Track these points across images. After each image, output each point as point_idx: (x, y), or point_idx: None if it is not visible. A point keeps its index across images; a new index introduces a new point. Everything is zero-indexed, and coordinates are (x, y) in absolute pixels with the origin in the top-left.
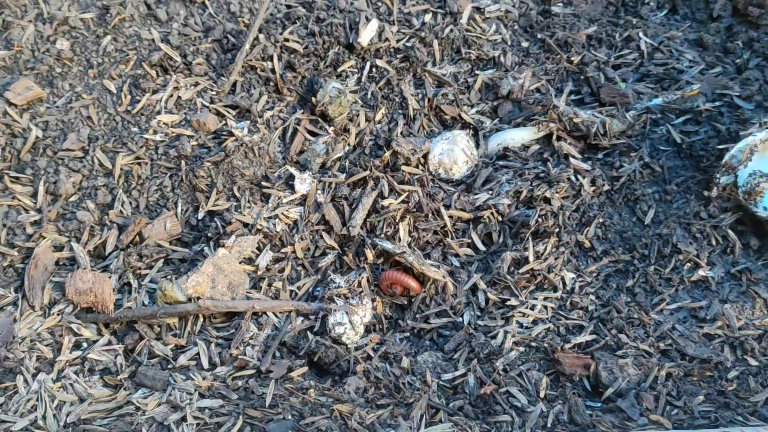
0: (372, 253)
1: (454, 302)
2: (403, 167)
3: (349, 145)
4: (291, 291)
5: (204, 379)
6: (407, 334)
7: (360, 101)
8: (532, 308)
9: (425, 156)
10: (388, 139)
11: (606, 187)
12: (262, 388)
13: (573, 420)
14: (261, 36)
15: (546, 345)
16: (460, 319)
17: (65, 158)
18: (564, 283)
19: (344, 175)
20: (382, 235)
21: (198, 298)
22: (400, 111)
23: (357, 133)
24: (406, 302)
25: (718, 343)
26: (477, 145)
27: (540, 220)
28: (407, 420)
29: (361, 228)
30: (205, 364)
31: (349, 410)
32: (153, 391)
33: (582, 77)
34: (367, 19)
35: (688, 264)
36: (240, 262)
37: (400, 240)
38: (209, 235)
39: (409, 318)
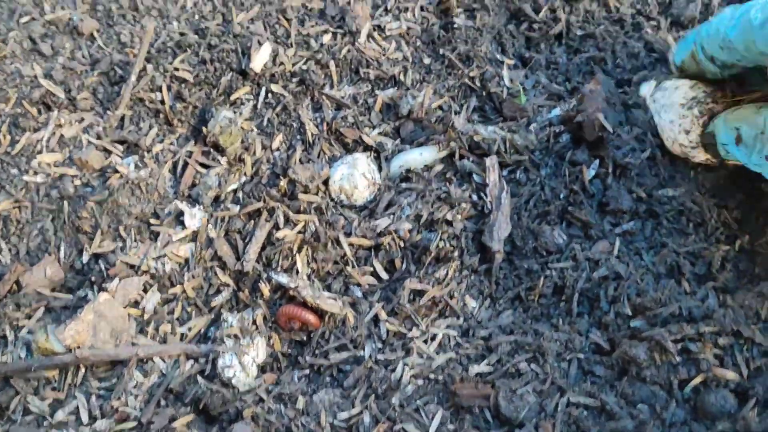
0: (268, 288)
1: (354, 335)
2: (301, 195)
3: (245, 175)
4: (182, 333)
5: None
6: (306, 371)
7: (256, 129)
8: (433, 338)
9: (326, 182)
10: (285, 167)
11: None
12: None
13: None
14: (149, 66)
15: (446, 376)
16: (362, 352)
17: None
18: (466, 310)
19: (238, 207)
20: (279, 268)
21: (77, 347)
22: (298, 137)
23: (253, 163)
24: (305, 338)
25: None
26: (380, 168)
27: (441, 244)
28: None
29: (257, 262)
30: (85, 418)
31: None
32: None
33: (484, 93)
34: (259, 44)
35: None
36: (125, 307)
37: (298, 272)
38: (93, 279)
39: (308, 354)
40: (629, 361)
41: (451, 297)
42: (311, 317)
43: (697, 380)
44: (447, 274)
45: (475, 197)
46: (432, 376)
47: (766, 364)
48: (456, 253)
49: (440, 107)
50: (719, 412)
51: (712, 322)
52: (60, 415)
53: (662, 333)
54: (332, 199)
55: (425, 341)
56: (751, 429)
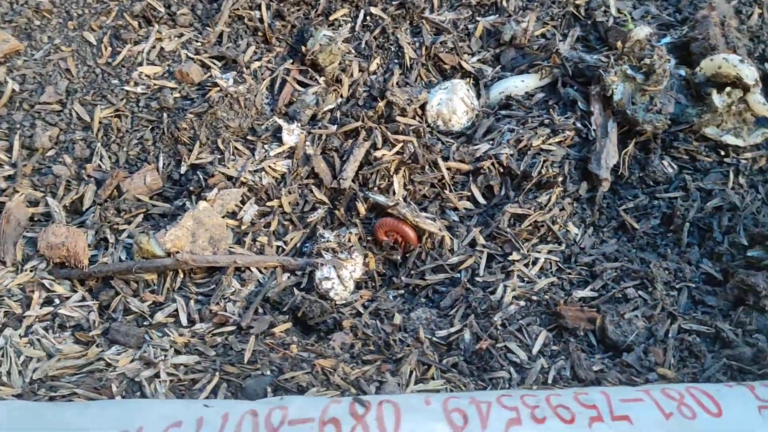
0: (364, 206)
1: (451, 257)
2: (399, 118)
3: (341, 96)
4: (278, 246)
5: (181, 335)
6: (401, 291)
7: (353, 51)
8: (535, 262)
9: (423, 107)
10: (382, 89)
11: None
12: (241, 344)
13: (576, 375)
14: None
15: (548, 299)
16: (458, 274)
17: (42, 112)
18: (568, 236)
19: (335, 126)
20: (375, 189)
21: (177, 252)
22: (396, 61)
23: (350, 84)
24: (400, 259)
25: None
26: (478, 95)
27: (543, 170)
28: (395, 376)
29: (353, 181)
30: (184, 320)
31: (332, 365)
32: (127, 348)
33: (590, 21)
34: None
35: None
36: (223, 217)
37: (394, 193)
38: (191, 188)
39: (404, 274)
40: (746, 290)
41: (554, 223)
42: (411, 232)
43: None
44: (549, 199)
45: (579, 125)
46: (534, 298)
47: None
48: (559, 179)
49: (543, 35)
50: None
51: None
52: (159, 316)
53: None
54: (429, 125)
55: (526, 265)
56: None
